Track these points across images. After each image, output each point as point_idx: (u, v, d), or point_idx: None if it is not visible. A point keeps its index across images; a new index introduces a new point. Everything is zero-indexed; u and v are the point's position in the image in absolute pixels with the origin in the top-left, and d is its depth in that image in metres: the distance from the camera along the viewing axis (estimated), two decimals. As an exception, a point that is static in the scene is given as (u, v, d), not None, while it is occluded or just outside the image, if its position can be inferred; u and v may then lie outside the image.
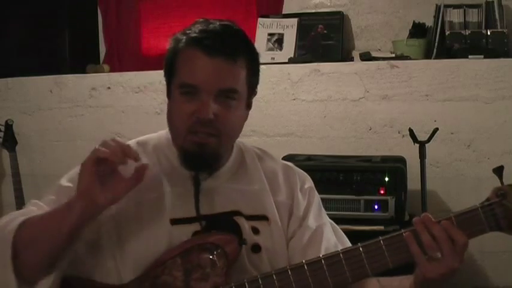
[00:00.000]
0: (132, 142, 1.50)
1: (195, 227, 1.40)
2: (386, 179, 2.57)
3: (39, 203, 1.42)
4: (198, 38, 1.36)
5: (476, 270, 2.97)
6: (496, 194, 1.29)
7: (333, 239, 1.50)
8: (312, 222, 1.50)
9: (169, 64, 1.41)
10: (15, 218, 1.34)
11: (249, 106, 1.46)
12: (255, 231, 1.43)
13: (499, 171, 1.32)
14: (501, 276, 2.95)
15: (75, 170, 1.44)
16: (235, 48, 1.36)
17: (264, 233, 1.44)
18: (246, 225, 1.42)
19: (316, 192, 1.58)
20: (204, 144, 1.36)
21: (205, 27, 1.38)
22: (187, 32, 1.39)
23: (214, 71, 1.34)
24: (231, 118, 1.38)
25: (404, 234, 1.30)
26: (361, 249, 1.30)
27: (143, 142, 1.51)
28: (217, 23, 1.39)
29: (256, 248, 1.42)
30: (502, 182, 1.32)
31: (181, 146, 1.40)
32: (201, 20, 1.42)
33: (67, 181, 1.44)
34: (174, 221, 1.39)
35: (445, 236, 1.27)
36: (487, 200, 1.31)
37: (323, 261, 1.30)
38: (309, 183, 1.57)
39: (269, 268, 1.40)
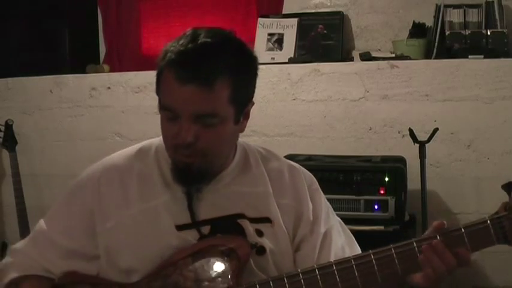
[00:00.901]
0: (134, 149, 1.50)
1: (197, 232, 1.40)
2: (386, 179, 2.57)
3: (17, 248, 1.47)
4: (174, 62, 1.30)
5: (476, 270, 2.97)
6: (505, 208, 1.33)
7: (340, 241, 1.50)
8: (322, 226, 1.50)
9: (157, 79, 1.38)
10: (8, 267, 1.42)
11: (242, 119, 1.40)
12: (259, 233, 1.42)
13: (508, 187, 1.35)
14: (501, 276, 2.95)
15: (56, 207, 1.50)
16: (212, 73, 1.29)
17: (268, 236, 1.43)
18: (250, 228, 1.42)
19: (321, 192, 1.57)
20: (189, 164, 1.36)
21: (183, 47, 1.30)
22: (171, 48, 1.33)
23: (187, 98, 1.30)
24: (214, 138, 1.34)
25: (419, 256, 1.31)
26: (372, 256, 1.31)
27: (146, 149, 1.49)
28: (200, 40, 1.31)
29: (261, 251, 1.41)
30: (510, 198, 1.34)
31: (172, 161, 1.41)
32: (189, 32, 1.34)
33: (45, 223, 1.48)
34: (179, 227, 1.39)
35: (456, 262, 1.31)
36: (496, 213, 1.33)
37: (334, 267, 1.31)
38: (315, 184, 1.57)
39: (274, 270, 1.40)
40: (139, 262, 1.37)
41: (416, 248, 1.32)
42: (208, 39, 1.32)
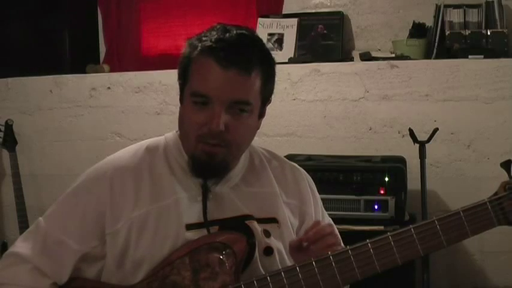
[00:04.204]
0: (141, 148, 1.48)
1: (205, 232, 1.39)
2: (386, 179, 2.57)
3: (23, 255, 1.39)
4: (212, 48, 1.33)
5: (476, 270, 2.97)
6: (504, 188, 1.30)
7: None
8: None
9: (183, 70, 1.39)
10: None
11: (261, 115, 1.45)
12: (267, 234, 1.43)
13: (506, 165, 1.33)
14: (501, 276, 2.95)
15: (55, 207, 1.44)
16: (250, 60, 1.34)
17: (275, 236, 1.44)
18: (258, 229, 1.42)
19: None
20: (213, 153, 1.36)
21: (221, 35, 1.34)
22: (204, 38, 1.36)
23: (227, 83, 1.32)
24: (242, 129, 1.37)
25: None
26: (369, 245, 1.31)
27: (153, 147, 1.47)
28: (234, 32, 1.36)
29: (268, 251, 1.42)
30: (510, 176, 1.32)
31: (191, 153, 1.39)
32: (218, 26, 1.38)
33: (51, 226, 1.41)
34: (189, 226, 1.39)
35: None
36: (495, 194, 1.31)
37: (331, 258, 1.31)
38: (313, 183, 1.59)
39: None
40: (148, 262, 1.37)
41: (392, 242, 1.31)
42: (243, 31, 1.37)
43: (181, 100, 1.42)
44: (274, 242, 1.43)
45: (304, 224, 1.51)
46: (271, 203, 1.47)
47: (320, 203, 1.59)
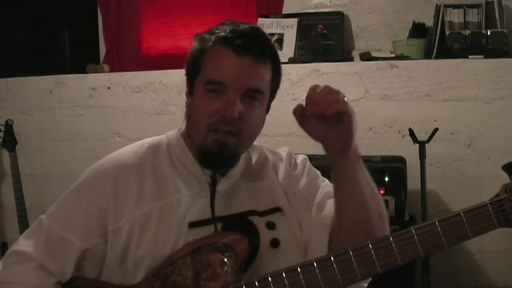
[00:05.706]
0: (143, 146, 1.47)
1: (211, 229, 1.39)
2: (386, 179, 2.57)
3: (27, 253, 1.38)
4: (228, 37, 1.37)
5: (476, 270, 2.97)
6: (505, 190, 1.30)
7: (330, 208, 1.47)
8: (316, 197, 1.50)
9: (194, 62, 1.40)
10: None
11: (268, 109, 1.47)
12: (271, 226, 1.43)
13: (508, 167, 1.33)
14: (501, 276, 2.95)
15: (57, 205, 1.43)
16: (264, 49, 1.38)
17: (281, 225, 1.44)
18: (261, 224, 1.42)
19: (306, 162, 1.59)
20: (225, 142, 1.36)
21: (235, 27, 1.39)
22: (216, 31, 1.40)
23: (243, 70, 1.35)
24: (254, 119, 1.39)
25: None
26: (370, 246, 1.30)
27: (155, 145, 1.47)
28: (246, 25, 1.41)
29: (275, 243, 1.42)
30: (511, 179, 1.32)
31: (201, 143, 1.39)
32: (228, 21, 1.42)
33: (54, 223, 1.40)
34: (192, 224, 1.39)
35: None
36: (496, 196, 1.31)
37: (332, 259, 1.31)
38: (303, 159, 1.59)
39: (290, 260, 1.38)
40: (149, 260, 1.36)
41: (393, 244, 1.30)
42: (253, 26, 1.44)
43: (190, 92, 1.42)
44: (281, 232, 1.43)
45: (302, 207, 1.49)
46: (272, 193, 1.47)
47: (315, 175, 1.57)
